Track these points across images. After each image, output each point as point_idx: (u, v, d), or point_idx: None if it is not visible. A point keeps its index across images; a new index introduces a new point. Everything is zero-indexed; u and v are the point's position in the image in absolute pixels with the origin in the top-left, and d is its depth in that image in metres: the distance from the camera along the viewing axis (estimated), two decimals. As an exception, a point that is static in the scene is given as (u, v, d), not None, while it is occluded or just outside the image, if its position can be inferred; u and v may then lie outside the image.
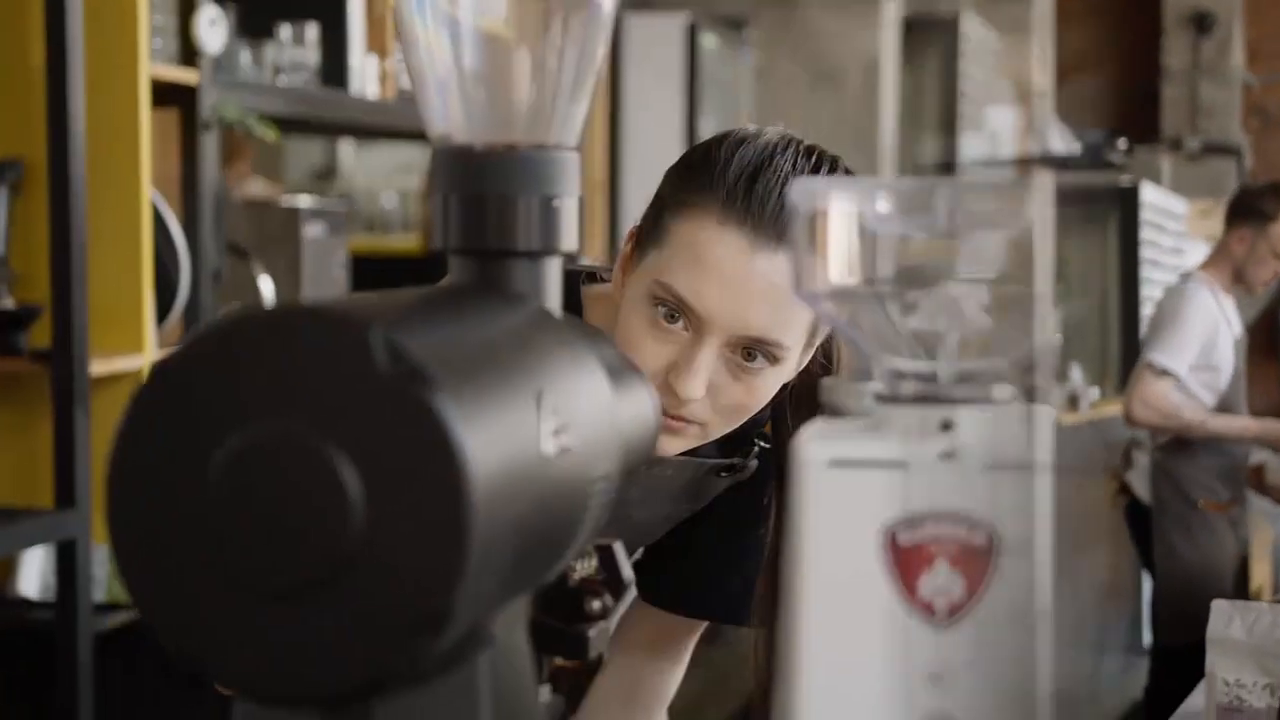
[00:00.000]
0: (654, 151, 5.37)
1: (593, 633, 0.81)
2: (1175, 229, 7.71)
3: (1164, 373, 4.25)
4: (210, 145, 2.91)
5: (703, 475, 1.43)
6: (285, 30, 3.34)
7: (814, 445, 0.69)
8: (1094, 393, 6.18)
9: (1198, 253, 8.32)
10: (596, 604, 0.82)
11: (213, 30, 2.88)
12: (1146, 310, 7.15)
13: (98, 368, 2.62)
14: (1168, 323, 4.32)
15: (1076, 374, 6.32)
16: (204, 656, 0.64)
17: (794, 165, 1.28)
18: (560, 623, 0.81)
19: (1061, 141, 6.18)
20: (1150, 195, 7.16)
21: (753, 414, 1.32)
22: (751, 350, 1.27)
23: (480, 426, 0.64)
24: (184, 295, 2.86)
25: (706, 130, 6.03)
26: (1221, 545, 4.38)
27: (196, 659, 0.65)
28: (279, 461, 0.63)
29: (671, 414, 1.27)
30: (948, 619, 0.68)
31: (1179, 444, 4.41)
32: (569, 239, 0.84)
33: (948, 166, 6.71)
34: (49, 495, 2.55)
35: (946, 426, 0.70)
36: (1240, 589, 4.37)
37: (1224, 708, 1.89)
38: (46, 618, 2.69)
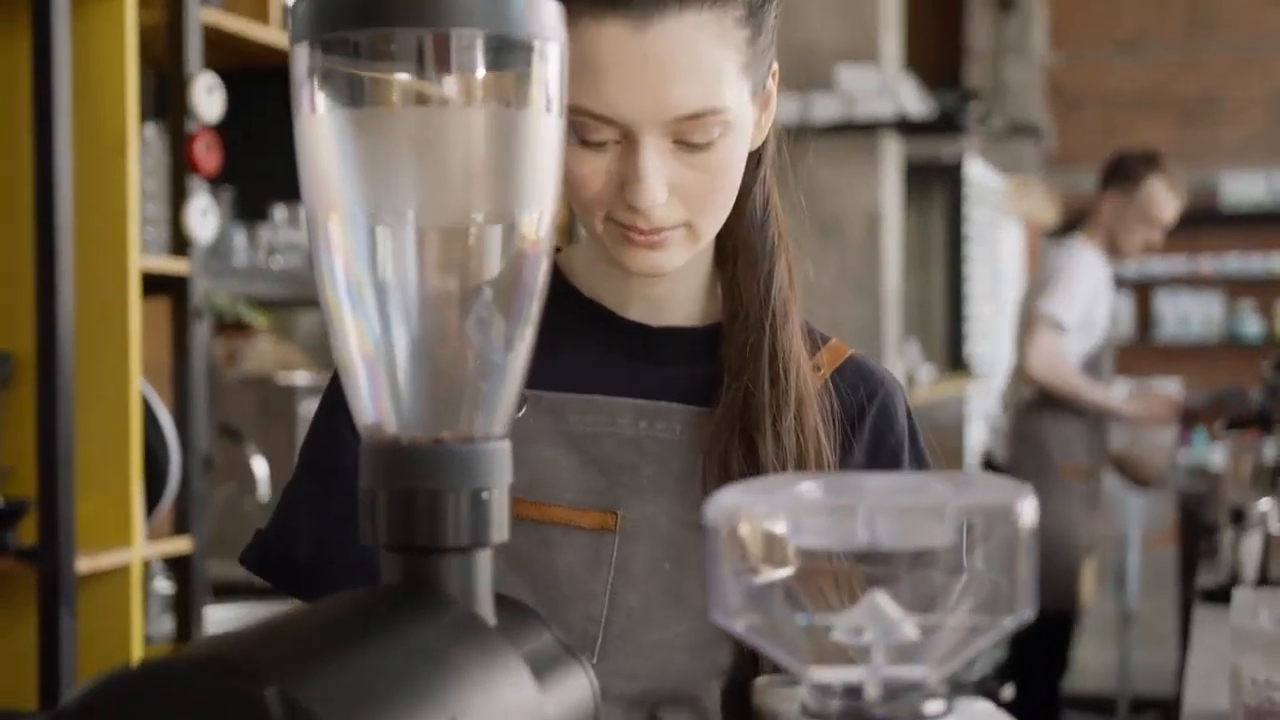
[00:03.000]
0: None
1: None
2: (994, 205, 7.77)
3: (1058, 325, 4.25)
4: (201, 333, 2.92)
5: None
6: (280, 211, 3.36)
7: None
8: (929, 370, 6.21)
9: (1011, 230, 8.39)
10: None
11: (204, 219, 2.90)
12: (971, 287, 7.19)
13: (85, 564, 2.60)
14: (1059, 276, 4.33)
15: (913, 351, 6.34)
16: None
17: None
18: None
19: (914, 102, 6.17)
20: (973, 170, 7.21)
21: (731, 194, 1.21)
22: (692, 129, 1.15)
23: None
24: (174, 486, 2.85)
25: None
26: (1075, 517, 4.32)
27: None
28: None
29: (646, 229, 1.18)
30: None
31: (1042, 404, 4.36)
32: (500, 531, 0.82)
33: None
34: (33, 698, 2.52)
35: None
36: (1076, 572, 4.33)
37: (1254, 710, 1.70)
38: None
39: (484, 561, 0.82)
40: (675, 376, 1.29)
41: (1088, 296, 4.32)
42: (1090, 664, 6.85)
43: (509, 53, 0.82)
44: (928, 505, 0.73)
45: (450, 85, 0.81)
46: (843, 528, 0.73)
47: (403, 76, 0.97)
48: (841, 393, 1.29)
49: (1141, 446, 4.54)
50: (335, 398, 1.32)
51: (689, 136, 1.16)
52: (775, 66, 1.25)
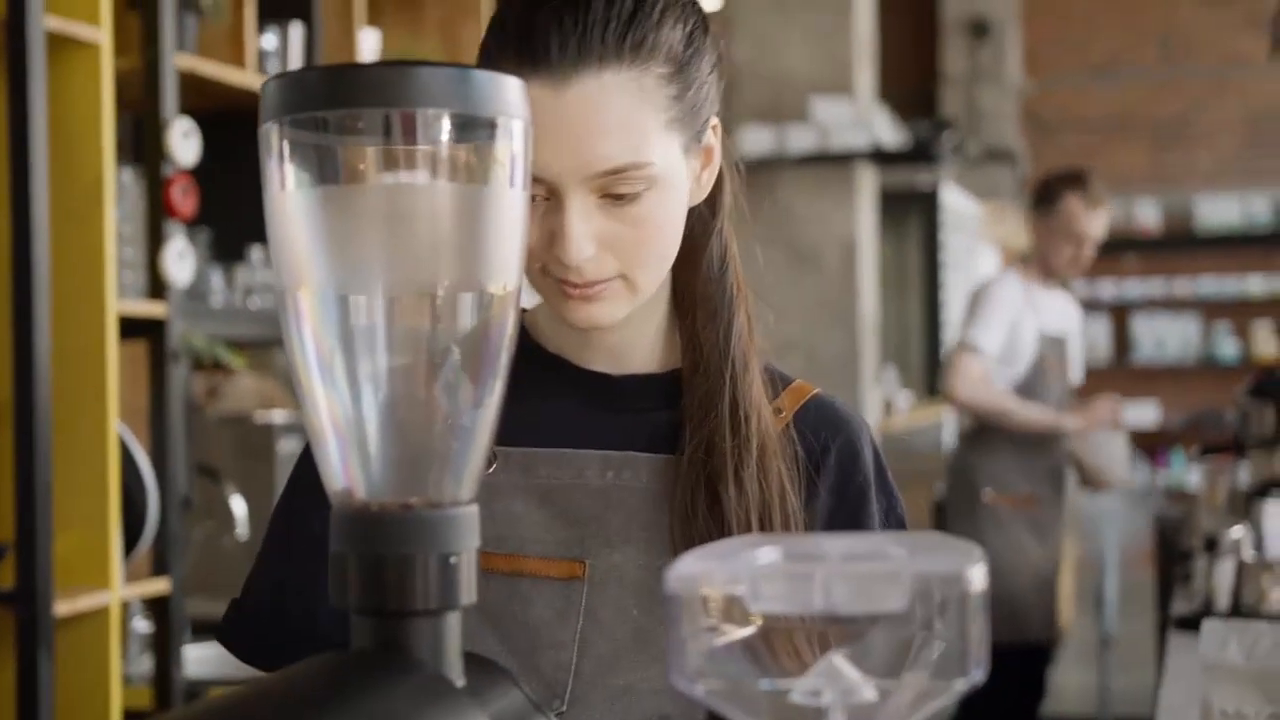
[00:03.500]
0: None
1: None
2: (970, 231, 7.82)
3: (976, 350, 4.28)
4: (178, 376, 2.94)
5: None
6: (256, 252, 3.38)
7: None
8: (907, 397, 6.24)
9: (988, 255, 8.46)
10: None
11: (181, 263, 2.92)
12: (948, 314, 7.25)
13: (63, 607, 2.61)
14: (978, 306, 4.39)
15: (891, 377, 6.37)
16: None
17: None
18: None
19: (888, 133, 6.21)
20: (949, 198, 7.27)
21: (666, 247, 1.22)
22: (615, 183, 1.16)
23: None
24: (152, 527, 2.86)
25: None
26: (1020, 545, 4.29)
27: None
28: None
29: (579, 283, 1.20)
30: None
31: (975, 435, 4.39)
32: (468, 593, 0.84)
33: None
34: (12, 742, 2.53)
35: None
36: (1049, 599, 4.32)
37: (1225, 744, 1.70)
38: None
39: (453, 623, 0.84)
40: (639, 424, 1.31)
41: (1008, 322, 4.35)
42: (1070, 687, 6.88)
43: (473, 130, 0.84)
44: (883, 572, 0.75)
45: (417, 163, 0.83)
46: (800, 593, 0.75)
47: (371, 154, 0.99)
48: (805, 435, 1.30)
49: (1096, 456, 4.54)
50: (304, 470, 1.33)
51: (614, 190, 1.17)
52: (715, 121, 1.27)
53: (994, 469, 4.36)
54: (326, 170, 0.85)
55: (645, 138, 1.17)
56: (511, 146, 0.84)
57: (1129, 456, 4.55)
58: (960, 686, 0.73)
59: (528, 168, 0.86)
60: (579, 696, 1.24)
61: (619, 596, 1.25)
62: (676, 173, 1.21)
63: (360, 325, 0.84)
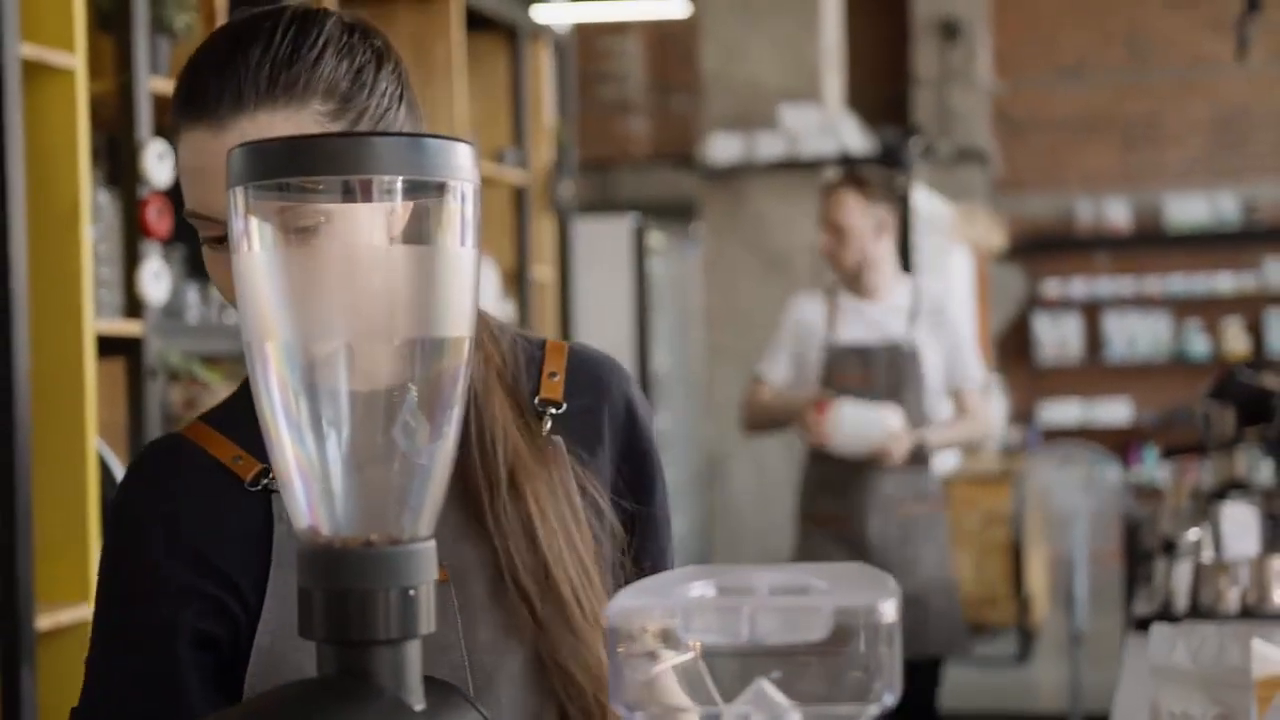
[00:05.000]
0: (607, 349, 5.46)
1: None
2: (942, 232, 7.88)
3: (758, 379, 4.27)
4: (155, 393, 2.99)
5: None
6: (231, 267, 3.43)
7: None
8: None
9: (960, 256, 8.53)
10: None
11: (157, 282, 2.97)
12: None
13: (44, 622, 2.66)
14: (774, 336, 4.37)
15: None
16: None
17: (248, 23, 1.23)
18: None
19: (856, 139, 6.23)
20: (920, 200, 7.33)
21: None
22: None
23: None
24: (131, 541, 2.90)
25: (657, 325, 6.19)
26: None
27: None
28: None
29: None
30: None
31: (803, 461, 4.34)
32: (427, 623, 0.90)
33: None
34: (-5, 756, 2.58)
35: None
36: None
37: (1173, 744, 1.73)
38: None
39: (413, 651, 0.90)
40: None
41: (790, 344, 4.30)
42: (1042, 683, 6.96)
43: (425, 193, 0.90)
44: (806, 606, 0.81)
45: (373, 224, 0.89)
46: (729, 624, 0.81)
47: (330, 217, 1.05)
48: (583, 384, 1.37)
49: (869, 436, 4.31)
50: (131, 530, 1.32)
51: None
52: None
53: (804, 488, 4.30)
54: (289, 232, 0.91)
55: None
56: (462, 209, 0.90)
57: (885, 427, 4.26)
58: (874, 710, 0.80)
59: (478, 226, 0.92)
60: (480, 687, 1.29)
61: (480, 592, 1.30)
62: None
63: (322, 374, 0.90)
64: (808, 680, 0.82)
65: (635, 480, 1.39)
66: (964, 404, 4.30)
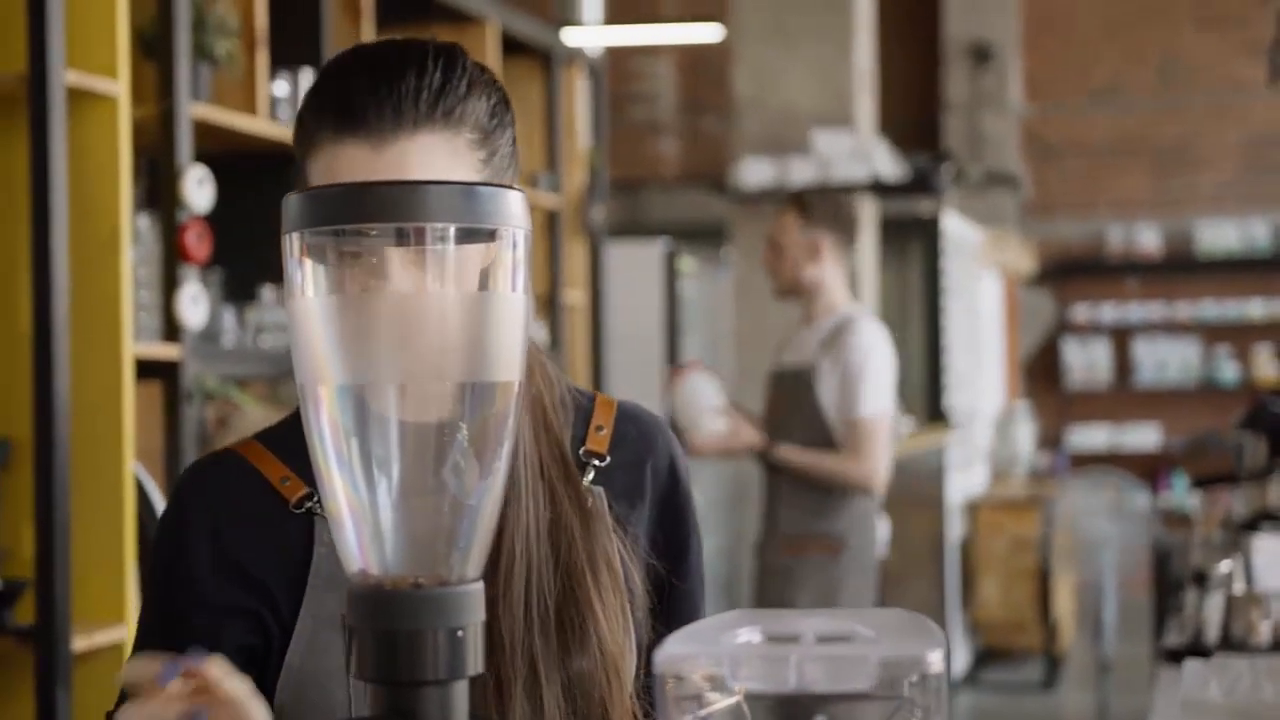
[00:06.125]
0: (637, 373, 5.49)
1: None
2: (972, 257, 7.86)
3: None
4: (192, 416, 3.01)
5: None
6: (268, 292, 3.46)
7: None
8: (908, 423, 6.26)
9: (990, 281, 8.50)
10: None
11: (195, 306, 3.00)
12: (949, 340, 7.29)
13: (80, 643, 2.68)
14: None
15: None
16: None
17: (395, 49, 1.26)
18: None
19: (888, 165, 6.22)
20: (950, 225, 7.32)
21: None
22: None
23: None
24: (166, 563, 2.92)
25: (688, 349, 6.19)
26: (828, 588, 4.07)
27: None
28: None
29: None
30: None
31: None
32: (475, 664, 0.92)
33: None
34: (31, 776, 2.60)
35: None
36: None
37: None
38: None
39: (460, 692, 0.91)
40: None
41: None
42: (1068, 710, 6.94)
43: (478, 240, 0.92)
44: (852, 655, 0.82)
45: (426, 270, 0.91)
46: (776, 673, 0.82)
47: (383, 263, 1.07)
48: (629, 441, 1.39)
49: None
50: (187, 541, 1.33)
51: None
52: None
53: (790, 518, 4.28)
54: (343, 277, 0.93)
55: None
56: (513, 254, 0.92)
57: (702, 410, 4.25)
58: (921, 756, 0.81)
59: (529, 273, 0.93)
60: None
61: None
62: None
63: (374, 417, 0.92)
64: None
65: (672, 538, 1.40)
66: (852, 437, 4.08)
